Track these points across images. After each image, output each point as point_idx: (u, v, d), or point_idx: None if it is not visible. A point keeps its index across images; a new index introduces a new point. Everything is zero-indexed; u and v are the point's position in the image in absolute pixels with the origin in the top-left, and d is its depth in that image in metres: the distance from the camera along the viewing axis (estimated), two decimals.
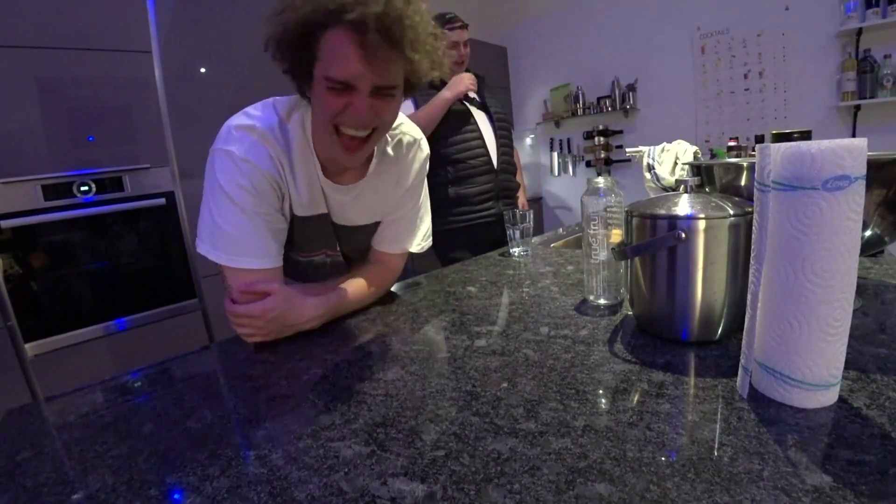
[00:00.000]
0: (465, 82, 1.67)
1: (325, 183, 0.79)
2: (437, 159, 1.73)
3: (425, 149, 0.89)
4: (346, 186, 0.81)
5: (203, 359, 0.72)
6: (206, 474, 0.42)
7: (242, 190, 0.70)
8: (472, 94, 1.76)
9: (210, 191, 0.71)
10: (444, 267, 1.87)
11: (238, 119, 0.74)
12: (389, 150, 0.84)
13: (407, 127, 0.88)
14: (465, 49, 1.73)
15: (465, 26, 1.73)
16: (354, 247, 0.94)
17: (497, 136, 1.77)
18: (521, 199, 1.97)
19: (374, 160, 0.82)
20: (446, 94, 1.66)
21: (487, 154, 1.75)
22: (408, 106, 1.69)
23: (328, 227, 0.85)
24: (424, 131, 1.69)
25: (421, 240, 0.94)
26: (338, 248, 0.91)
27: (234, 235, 0.70)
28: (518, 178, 1.97)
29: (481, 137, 1.74)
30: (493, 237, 1.76)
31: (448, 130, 1.71)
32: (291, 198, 0.77)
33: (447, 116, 1.68)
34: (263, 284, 0.70)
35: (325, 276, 0.94)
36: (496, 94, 1.87)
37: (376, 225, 0.91)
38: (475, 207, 1.76)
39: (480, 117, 1.76)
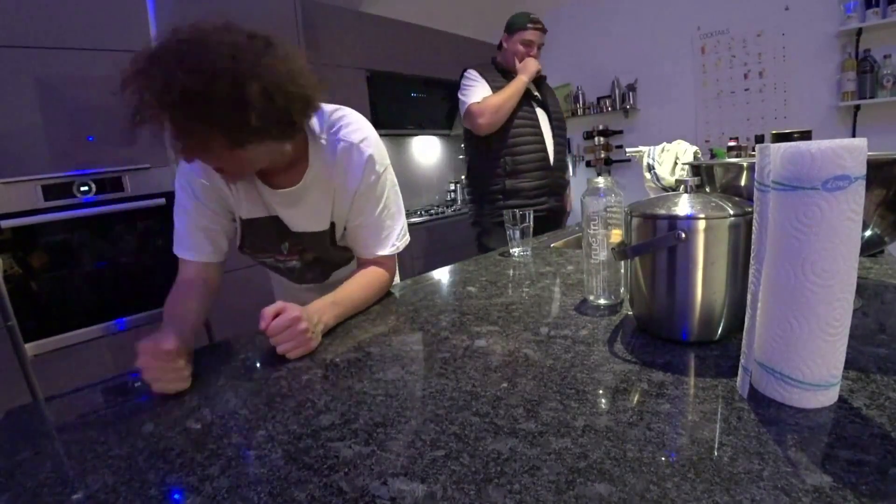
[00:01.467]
0: (532, 63, 1.75)
1: (263, 188, 0.83)
2: (496, 150, 1.80)
3: (367, 149, 0.83)
4: (283, 191, 0.82)
5: (203, 359, 0.72)
6: (206, 474, 0.42)
7: (182, 190, 0.82)
8: (535, 93, 1.83)
9: None
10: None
11: None
12: (327, 155, 0.82)
13: (346, 131, 0.83)
14: (538, 52, 1.79)
15: (544, 30, 1.80)
16: (322, 253, 0.94)
17: (554, 135, 1.83)
18: (570, 198, 2.02)
19: (311, 167, 0.82)
20: (522, 76, 1.74)
21: (545, 150, 1.81)
22: (485, 89, 1.76)
23: (276, 231, 0.88)
24: (499, 114, 1.74)
25: (395, 240, 0.92)
26: (288, 253, 0.92)
27: (178, 229, 0.84)
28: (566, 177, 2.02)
29: (540, 134, 1.80)
30: (542, 231, 1.78)
31: (509, 124, 1.77)
32: (231, 201, 0.84)
33: (514, 111, 1.75)
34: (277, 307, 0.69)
35: (301, 279, 0.98)
36: (551, 93, 1.93)
37: (334, 229, 0.90)
38: (529, 201, 1.80)
39: (541, 114, 1.83)
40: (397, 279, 1.15)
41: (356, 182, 0.84)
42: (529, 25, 1.77)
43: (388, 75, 2.87)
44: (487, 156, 1.83)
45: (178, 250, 0.84)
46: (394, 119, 2.96)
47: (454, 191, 3.68)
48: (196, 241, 0.83)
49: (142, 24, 1.72)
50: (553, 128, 1.83)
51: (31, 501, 0.41)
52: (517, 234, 1.20)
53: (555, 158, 1.83)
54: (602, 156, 3.52)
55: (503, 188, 1.81)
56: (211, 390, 0.61)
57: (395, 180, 0.92)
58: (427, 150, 3.64)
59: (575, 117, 3.60)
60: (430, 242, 2.92)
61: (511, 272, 1.06)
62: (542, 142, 1.81)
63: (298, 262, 0.95)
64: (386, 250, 0.91)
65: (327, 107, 0.85)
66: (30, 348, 1.57)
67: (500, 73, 1.82)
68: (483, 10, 3.96)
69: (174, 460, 0.45)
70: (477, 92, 1.77)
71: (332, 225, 0.89)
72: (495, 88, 1.76)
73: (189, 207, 0.82)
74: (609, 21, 3.38)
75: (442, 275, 1.09)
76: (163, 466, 0.44)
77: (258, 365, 0.67)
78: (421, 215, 3.04)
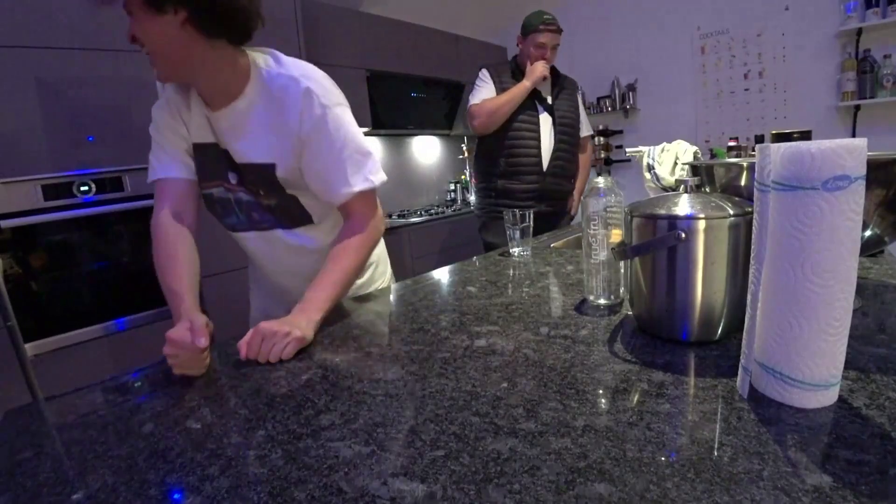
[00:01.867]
0: (539, 69, 1.75)
1: (209, 112, 0.84)
2: (494, 150, 1.84)
3: (304, 82, 0.80)
4: (217, 113, 0.83)
5: None
6: (206, 474, 0.42)
7: (151, 128, 0.88)
8: (545, 95, 1.83)
9: None
10: (484, 249, 1.93)
11: None
12: (266, 86, 0.81)
13: (288, 66, 0.83)
14: (552, 53, 1.79)
15: (557, 31, 1.79)
16: (271, 192, 0.87)
17: (556, 140, 1.82)
18: (573, 201, 1.99)
19: (248, 94, 0.81)
20: (526, 82, 1.76)
21: (539, 155, 1.81)
22: (490, 91, 1.80)
23: (219, 157, 0.87)
24: (495, 118, 1.76)
25: (368, 174, 0.85)
26: (237, 183, 0.89)
27: (149, 161, 0.88)
28: (580, 182, 2.01)
29: (537, 138, 1.80)
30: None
31: (508, 126, 1.79)
32: (189, 124, 0.86)
33: (514, 114, 1.77)
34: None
35: (260, 224, 0.92)
36: (570, 97, 1.91)
37: (276, 169, 0.85)
38: (518, 203, 1.83)
39: (544, 119, 1.83)
40: (389, 272, 1.12)
41: (295, 116, 0.80)
42: (542, 27, 1.76)
43: (388, 75, 2.87)
44: (486, 154, 1.88)
45: (150, 176, 0.88)
46: (394, 119, 2.95)
47: (454, 191, 3.68)
48: (162, 163, 0.87)
49: None
50: (556, 133, 1.82)
51: (31, 501, 0.41)
52: (517, 234, 1.20)
53: (551, 164, 1.82)
54: (602, 156, 3.52)
55: (496, 187, 1.87)
56: (211, 390, 0.61)
57: (353, 121, 0.87)
58: (427, 150, 3.64)
59: None
60: (430, 242, 2.92)
61: (511, 272, 1.06)
62: (538, 147, 1.81)
63: (251, 196, 0.89)
64: (357, 184, 0.83)
65: (281, 55, 0.86)
66: (30, 348, 1.57)
67: (512, 74, 1.84)
68: (483, 10, 3.97)
69: (174, 460, 0.45)
70: (482, 93, 1.80)
71: (276, 166, 0.84)
72: (502, 90, 1.78)
73: (155, 137, 0.87)
74: (609, 21, 3.38)
75: (442, 275, 1.09)
76: (163, 466, 0.44)
77: (258, 365, 0.67)
78: (421, 215, 3.04)
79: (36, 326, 1.58)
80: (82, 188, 1.64)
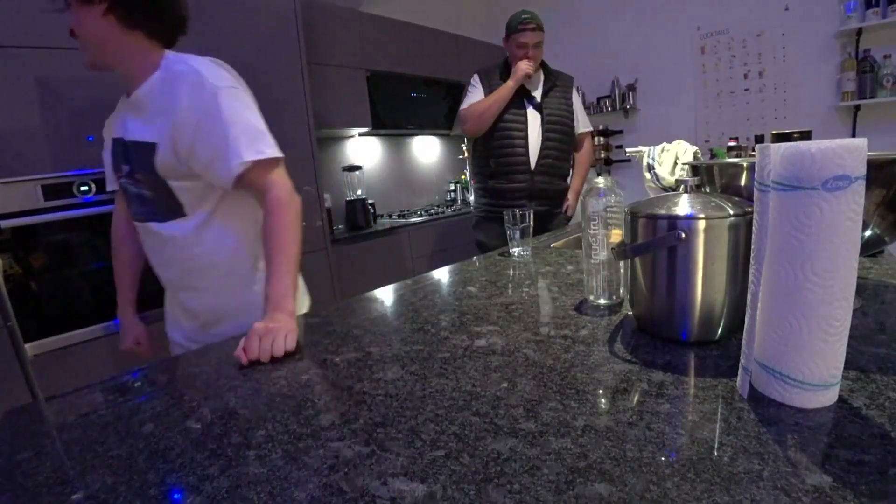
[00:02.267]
0: (522, 68, 1.76)
1: (125, 101, 0.92)
2: (485, 151, 1.87)
3: (198, 66, 0.84)
4: (130, 98, 0.89)
5: (203, 359, 0.72)
6: (206, 474, 0.42)
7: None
8: (534, 93, 1.84)
9: None
10: (478, 247, 1.95)
11: None
12: (165, 71, 0.85)
13: (190, 59, 0.86)
14: (535, 51, 1.79)
15: (536, 28, 1.78)
16: (146, 175, 0.87)
17: (544, 139, 1.82)
18: (569, 202, 1.98)
19: (151, 79, 0.85)
20: (509, 82, 1.78)
21: (526, 154, 1.82)
22: (479, 95, 1.83)
23: (119, 148, 0.91)
24: (483, 119, 1.79)
25: (263, 148, 0.84)
26: (126, 175, 0.91)
27: None
28: (576, 180, 2.01)
29: (525, 136, 1.81)
30: None
31: (496, 126, 1.81)
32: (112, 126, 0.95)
33: (501, 114, 1.79)
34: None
35: (141, 216, 0.93)
36: (563, 95, 1.90)
37: (156, 150, 0.84)
38: (508, 202, 1.84)
39: (533, 118, 1.83)
40: (307, 300, 1.06)
41: (184, 97, 0.81)
42: (520, 27, 1.78)
43: (388, 75, 2.87)
44: (479, 155, 1.92)
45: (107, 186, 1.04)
46: (394, 119, 2.95)
47: (454, 191, 3.68)
48: (108, 172, 0.99)
49: None
50: (544, 130, 1.82)
51: (31, 501, 0.41)
52: (517, 234, 1.20)
53: (539, 163, 1.82)
54: (602, 156, 3.52)
55: (487, 187, 1.90)
56: (211, 390, 0.61)
57: (250, 103, 0.87)
58: (427, 150, 3.64)
59: None
60: (430, 242, 2.92)
61: (511, 272, 1.06)
62: (525, 145, 1.81)
63: (136, 188, 0.90)
64: (250, 155, 0.82)
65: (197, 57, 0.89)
66: (30, 348, 1.57)
67: (501, 76, 1.85)
68: (483, 10, 3.97)
69: (174, 460, 0.45)
70: (471, 98, 1.85)
71: (157, 146, 0.84)
72: (490, 93, 1.81)
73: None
74: (609, 21, 3.38)
75: (442, 275, 1.09)
76: (163, 466, 0.44)
77: (258, 365, 0.67)
78: (421, 215, 3.04)
79: (36, 326, 1.58)
80: (82, 188, 1.64)
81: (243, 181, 0.84)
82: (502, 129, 1.81)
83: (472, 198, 2.15)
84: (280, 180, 0.86)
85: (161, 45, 0.87)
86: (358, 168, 2.83)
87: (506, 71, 1.86)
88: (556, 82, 1.89)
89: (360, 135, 3.12)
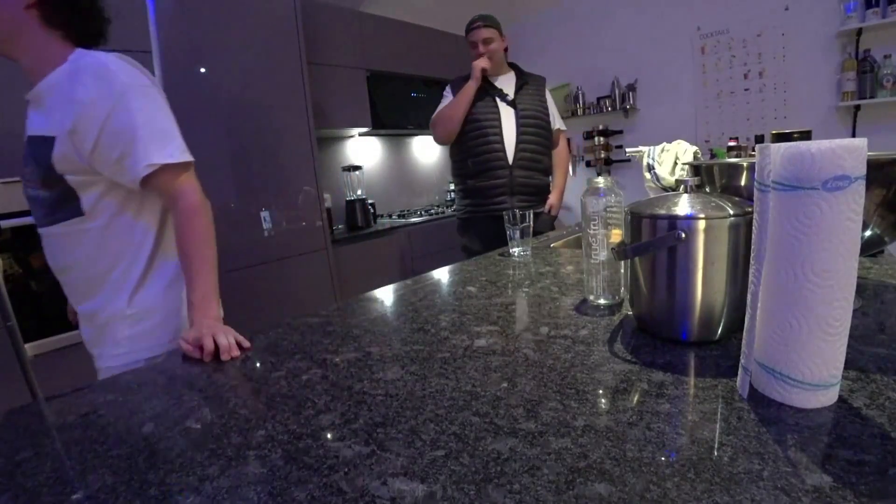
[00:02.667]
0: (476, 65, 1.79)
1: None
2: (461, 152, 1.89)
3: (107, 61, 0.81)
4: (31, 91, 0.86)
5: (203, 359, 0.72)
6: (206, 474, 0.42)
7: None
8: (507, 92, 1.85)
9: None
10: (466, 255, 1.94)
11: None
12: (72, 64, 0.81)
13: (100, 54, 0.83)
14: (487, 47, 1.81)
15: (483, 26, 1.81)
16: (42, 173, 0.86)
17: (519, 133, 1.83)
18: (552, 199, 1.97)
19: (56, 72, 0.81)
20: (469, 82, 1.81)
21: (503, 150, 1.82)
22: (448, 95, 1.87)
23: (25, 150, 0.89)
24: (451, 124, 1.82)
25: (174, 151, 0.82)
26: (26, 178, 0.90)
27: None
28: (557, 178, 2.01)
29: (499, 132, 1.82)
30: (504, 231, 1.82)
31: (470, 126, 1.82)
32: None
33: (475, 114, 1.81)
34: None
35: (40, 220, 0.90)
36: (536, 93, 1.91)
37: (53, 146, 0.82)
38: (489, 200, 1.86)
39: (506, 114, 1.84)
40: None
41: (90, 90, 0.78)
42: (470, 27, 1.84)
43: (388, 75, 2.88)
44: (456, 158, 1.94)
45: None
46: (394, 119, 2.96)
47: (454, 190, 3.68)
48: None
49: (142, 24, 1.72)
50: (519, 125, 1.82)
51: (31, 501, 0.41)
52: (517, 233, 1.20)
53: (517, 157, 1.82)
54: (602, 156, 3.52)
55: (467, 188, 1.92)
56: (211, 390, 0.61)
57: (161, 104, 0.85)
58: (427, 150, 3.64)
59: (575, 117, 3.59)
60: (430, 242, 2.92)
61: (511, 272, 1.06)
62: (501, 141, 1.82)
63: (34, 190, 0.90)
64: (158, 158, 0.80)
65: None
66: (30, 348, 1.57)
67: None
68: (483, 10, 3.96)
69: (174, 460, 0.45)
70: (441, 107, 1.89)
71: (54, 140, 0.81)
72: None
73: None
74: (609, 21, 3.38)
75: (442, 275, 1.09)
76: (163, 466, 0.44)
77: (258, 365, 0.67)
78: (421, 215, 3.04)
79: (36, 326, 1.58)
80: None
81: (151, 183, 0.82)
82: (477, 129, 1.82)
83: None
84: (190, 186, 0.85)
85: (74, 46, 0.83)
86: (358, 168, 2.83)
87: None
88: (529, 80, 1.91)
89: (360, 135, 3.12)
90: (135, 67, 0.85)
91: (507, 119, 1.83)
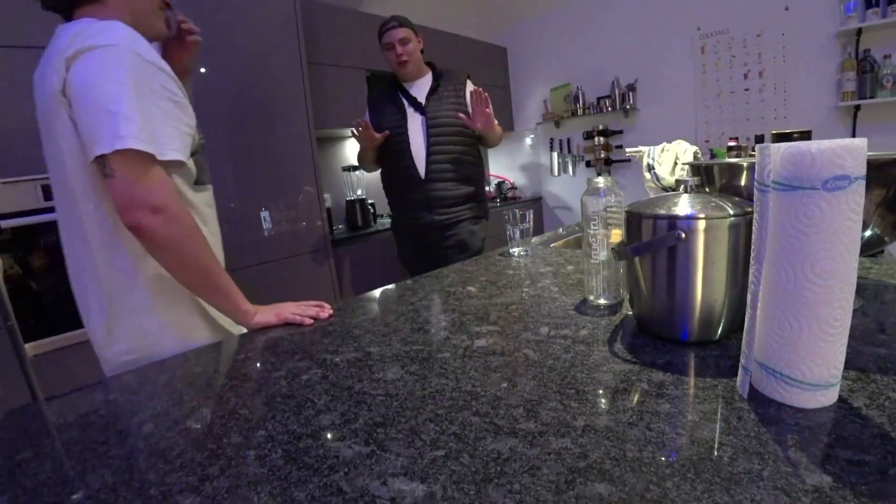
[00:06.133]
0: (367, 142, 1.70)
1: None
2: (382, 170, 1.83)
3: (96, 21, 0.71)
4: None
5: (203, 359, 0.72)
6: (206, 474, 0.42)
7: None
8: (416, 96, 1.72)
9: None
10: (401, 264, 1.93)
11: None
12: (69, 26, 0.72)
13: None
14: (404, 47, 1.68)
15: (398, 26, 1.68)
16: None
17: (430, 143, 1.68)
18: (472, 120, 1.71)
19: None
20: (363, 147, 1.74)
21: (412, 164, 1.70)
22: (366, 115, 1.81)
23: None
24: (366, 159, 1.80)
25: (124, 134, 0.66)
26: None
27: None
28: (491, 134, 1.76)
29: (407, 146, 1.69)
30: (429, 244, 1.79)
31: (387, 138, 1.72)
32: None
33: (384, 124, 1.72)
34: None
35: None
36: (452, 94, 1.74)
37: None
38: (407, 216, 1.80)
39: (415, 123, 1.70)
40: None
41: (65, 43, 0.68)
42: (383, 30, 1.71)
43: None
44: (382, 176, 1.87)
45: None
46: None
47: None
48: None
49: None
50: (430, 136, 1.67)
51: (31, 501, 0.41)
52: (517, 233, 1.20)
53: (429, 170, 1.68)
54: (602, 156, 3.52)
55: (389, 202, 1.88)
56: (211, 390, 0.61)
57: (144, 66, 0.71)
58: None
59: (575, 117, 3.60)
60: None
61: (511, 272, 1.06)
62: (410, 156, 1.68)
63: None
64: (102, 144, 0.66)
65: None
66: (30, 348, 1.57)
67: (387, 90, 1.80)
68: (483, 10, 3.97)
69: (174, 460, 0.45)
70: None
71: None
72: (373, 113, 1.80)
73: None
74: (609, 21, 3.38)
75: (442, 275, 1.09)
76: (163, 466, 0.44)
77: (258, 365, 0.67)
78: None
79: (36, 326, 1.58)
80: None
81: (103, 171, 0.69)
82: (388, 144, 1.72)
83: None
84: (140, 179, 0.70)
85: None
86: (358, 168, 2.83)
87: (392, 82, 1.80)
88: (444, 81, 1.75)
89: None
90: (128, 32, 0.75)
91: (416, 128, 1.69)
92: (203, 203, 0.88)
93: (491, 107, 1.66)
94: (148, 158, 0.69)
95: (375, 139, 1.68)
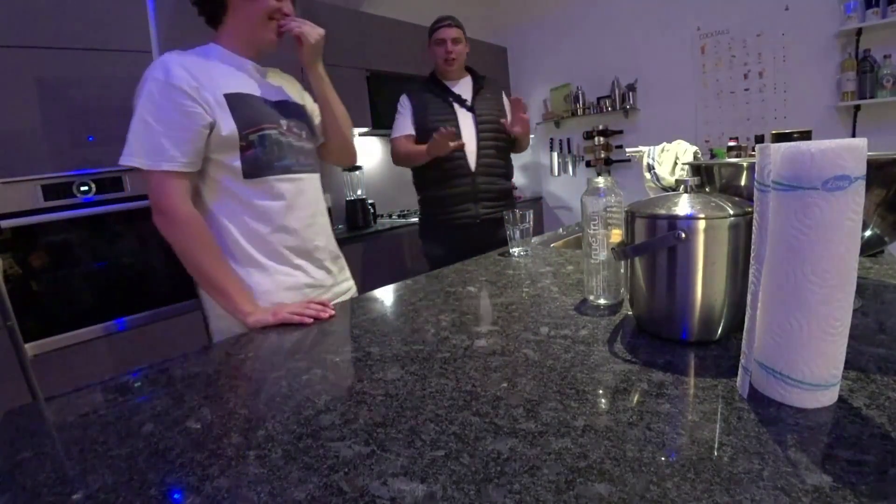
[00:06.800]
0: (444, 149, 1.70)
1: None
2: (425, 165, 1.83)
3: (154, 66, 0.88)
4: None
5: (203, 359, 0.72)
6: (206, 474, 0.42)
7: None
8: (465, 98, 1.82)
9: None
10: (428, 263, 1.92)
11: None
12: None
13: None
14: (455, 46, 1.77)
15: (452, 25, 1.78)
16: (306, 127, 1.09)
17: (480, 139, 1.79)
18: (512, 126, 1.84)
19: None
20: (425, 150, 1.73)
21: (465, 157, 1.78)
22: (405, 123, 1.83)
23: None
24: (408, 163, 1.84)
25: (134, 151, 0.84)
26: (295, 129, 1.05)
27: None
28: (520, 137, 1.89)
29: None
30: (471, 239, 1.81)
31: (432, 133, 1.73)
32: None
33: (432, 119, 1.77)
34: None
35: None
36: (493, 97, 1.88)
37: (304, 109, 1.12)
38: (452, 209, 1.82)
39: (465, 120, 1.80)
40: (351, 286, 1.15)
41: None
42: (437, 25, 1.81)
43: (388, 75, 2.87)
44: (417, 167, 1.88)
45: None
46: (394, 119, 2.95)
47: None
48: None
49: (142, 24, 1.72)
50: (479, 131, 1.79)
51: (31, 501, 0.41)
52: (517, 233, 1.20)
53: (479, 163, 1.79)
54: (602, 156, 3.52)
55: (428, 196, 1.88)
56: (211, 390, 0.61)
57: (160, 89, 0.84)
58: None
59: (575, 117, 3.60)
60: None
61: (511, 272, 1.06)
62: (462, 150, 1.76)
63: (298, 142, 1.06)
64: (123, 158, 0.84)
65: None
66: (30, 348, 1.57)
67: (429, 88, 1.84)
68: (483, 10, 3.97)
69: (174, 460, 0.45)
70: (399, 125, 1.85)
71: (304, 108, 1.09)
72: (422, 108, 1.80)
73: None
74: (609, 21, 3.38)
75: (442, 275, 1.09)
76: (163, 466, 0.44)
77: (258, 365, 0.67)
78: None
79: (36, 326, 1.58)
80: (82, 188, 1.64)
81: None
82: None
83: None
84: (155, 196, 0.86)
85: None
86: (358, 168, 2.83)
87: (432, 81, 1.85)
88: (484, 84, 1.87)
89: (360, 135, 3.12)
90: (173, 63, 0.89)
91: (467, 124, 1.79)
92: (260, 193, 0.94)
93: (528, 113, 1.79)
94: (145, 170, 0.84)
95: (454, 147, 1.72)
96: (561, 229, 1.64)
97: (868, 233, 0.60)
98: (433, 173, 1.81)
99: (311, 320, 0.83)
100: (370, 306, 0.90)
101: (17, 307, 1.53)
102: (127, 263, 1.77)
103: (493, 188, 1.85)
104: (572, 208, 3.91)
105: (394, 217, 3.12)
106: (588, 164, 3.69)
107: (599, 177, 0.76)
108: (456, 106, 1.80)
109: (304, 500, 0.37)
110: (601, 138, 3.50)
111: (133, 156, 0.83)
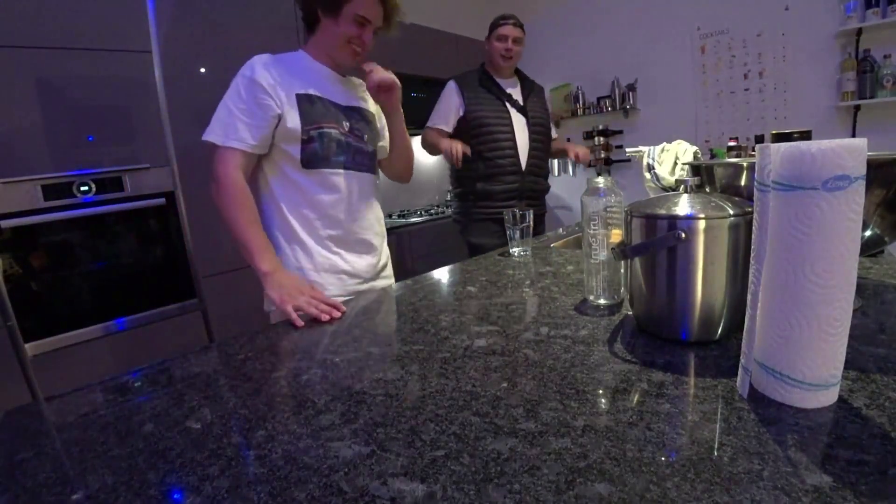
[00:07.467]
0: (454, 151, 1.76)
1: None
2: (472, 154, 1.87)
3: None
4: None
5: (203, 359, 0.72)
6: (206, 474, 0.42)
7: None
8: (516, 98, 1.89)
9: None
10: (469, 251, 1.96)
11: None
12: None
13: None
14: (515, 46, 1.85)
15: (517, 24, 1.88)
16: (369, 131, 1.22)
17: (531, 140, 1.87)
18: (574, 150, 1.96)
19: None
20: (444, 146, 1.79)
21: (517, 156, 1.86)
22: (448, 111, 1.87)
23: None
24: (431, 151, 1.92)
25: (213, 129, 0.99)
26: (358, 132, 1.15)
27: None
28: (560, 146, 2.06)
29: (513, 139, 1.85)
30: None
31: (484, 129, 1.82)
32: None
33: (486, 115, 1.83)
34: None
35: None
36: (540, 100, 1.98)
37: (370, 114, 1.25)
38: (498, 203, 1.86)
39: (518, 120, 1.87)
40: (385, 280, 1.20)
41: None
42: (501, 21, 1.88)
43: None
44: (464, 159, 1.89)
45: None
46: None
47: (454, 191, 3.67)
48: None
49: (142, 24, 1.72)
50: (530, 132, 1.87)
51: (31, 501, 0.41)
52: (517, 233, 1.20)
53: (528, 163, 1.88)
54: (602, 156, 3.52)
55: (475, 191, 1.91)
56: (211, 390, 0.61)
57: (245, 83, 1.00)
58: None
59: (575, 117, 3.59)
60: (430, 242, 2.92)
61: (511, 272, 1.06)
62: (515, 147, 1.85)
63: (361, 144, 1.18)
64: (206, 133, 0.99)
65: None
66: (30, 348, 1.57)
67: (480, 82, 1.88)
68: (483, 10, 3.96)
69: (174, 460, 0.45)
70: (441, 113, 1.89)
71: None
72: (474, 101, 1.84)
73: None
74: (609, 21, 3.37)
75: (442, 275, 1.09)
76: (163, 466, 0.44)
77: (258, 365, 0.67)
78: (421, 215, 3.05)
79: (36, 326, 1.58)
80: (82, 188, 1.64)
81: None
82: (489, 133, 1.84)
83: (452, 198, 2.13)
84: (214, 165, 0.99)
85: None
86: None
87: (484, 76, 1.89)
88: (533, 88, 1.97)
89: None
90: (256, 61, 1.04)
91: (519, 125, 1.86)
92: (314, 183, 1.04)
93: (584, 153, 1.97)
94: (215, 145, 0.98)
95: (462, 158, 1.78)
96: (561, 229, 1.64)
97: (868, 233, 0.60)
98: (485, 169, 1.86)
99: (328, 317, 0.84)
100: (370, 306, 0.90)
101: (17, 307, 1.53)
102: (127, 263, 1.77)
103: (536, 188, 1.94)
104: (572, 208, 3.91)
105: (394, 217, 3.12)
106: (588, 164, 3.68)
107: (599, 177, 0.76)
108: (508, 105, 1.86)
109: (304, 500, 0.37)
110: (601, 138, 3.50)
111: (212, 133, 0.98)
